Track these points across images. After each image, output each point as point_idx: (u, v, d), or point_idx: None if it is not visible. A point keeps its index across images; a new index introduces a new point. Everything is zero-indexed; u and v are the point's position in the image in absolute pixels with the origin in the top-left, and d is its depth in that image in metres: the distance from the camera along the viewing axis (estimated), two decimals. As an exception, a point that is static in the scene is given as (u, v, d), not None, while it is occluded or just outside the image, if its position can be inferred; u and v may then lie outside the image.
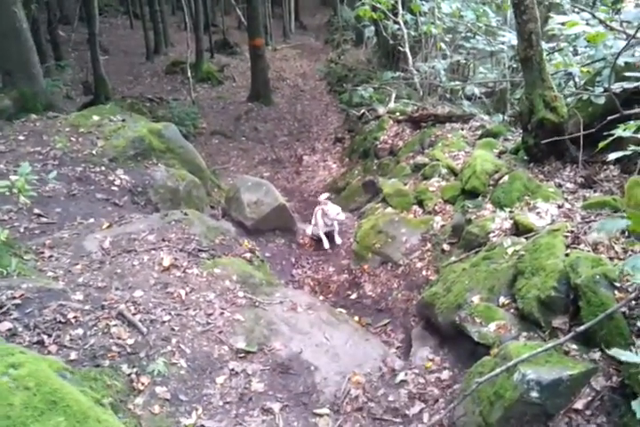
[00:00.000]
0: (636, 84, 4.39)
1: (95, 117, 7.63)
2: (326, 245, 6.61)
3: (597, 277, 3.33)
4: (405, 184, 7.19)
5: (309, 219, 7.11)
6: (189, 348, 3.64)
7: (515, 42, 7.52)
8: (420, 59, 10.85)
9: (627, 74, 4.60)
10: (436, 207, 6.35)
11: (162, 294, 4.06)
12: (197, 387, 3.43)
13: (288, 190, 10.64)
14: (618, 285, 3.32)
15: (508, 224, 5.04)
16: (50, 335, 3.45)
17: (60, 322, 3.56)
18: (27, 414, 1.97)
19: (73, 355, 3.33)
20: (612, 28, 4.88)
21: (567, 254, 3.87)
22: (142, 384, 3.28)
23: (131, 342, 3.55)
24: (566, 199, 5.13)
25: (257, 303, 4.27)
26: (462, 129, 8.52)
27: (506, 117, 8.88)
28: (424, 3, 9.56)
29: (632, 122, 3.34)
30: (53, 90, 11.49)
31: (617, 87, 4.68)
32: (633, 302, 3.20)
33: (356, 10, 10.10)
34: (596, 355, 3.16)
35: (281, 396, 3.52)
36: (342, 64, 18.60)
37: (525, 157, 6.21)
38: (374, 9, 9.51)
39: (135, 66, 19.90)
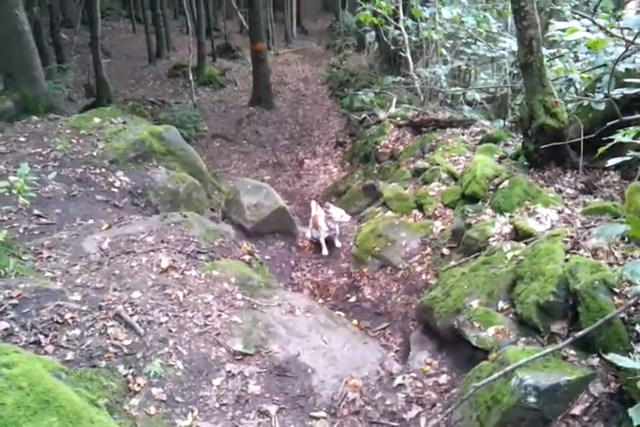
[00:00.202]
0: (636, 90, 4.39)
1: (96, 120, 7.64)
2: (325, 251, 6.62)
3: (596, 282, 3.32)
4: (406, 188, 7.18)
5: (309, 222, 7.10)
6: (186, 349, 3.63)
7: (515, 47, 7.55)
8: (421, 64, 10.86)
9: (627, 80, 4.60)
10: (436, 212, 6.35)
11: (159, 295, 4.05)
12: (194, 389, 3.41)
13: (289, 194, 10.63)
14: (617, 290, 3.31)
15: (507, 229, 5.03)
16: (47, 336, 3.44)
17: (57, 322, 3.55)
18: (19, 413, 1.96)
19: (69, 355, 3.32)
20: (612, 35, 4.87)
21: (566, 260, 3.86)
22: (138, 385, 3.27)
23: (127, 342, 3.54)
24: (566, 205, 5.12)
25: (255, 306, 4.26)
26: (463, 134, 8.52)
27: (506, 123, 8.88)
28: (425, 8, 9.58)
29: (632, 128, 3.33)
30: (55, 92, 11.54)
31: (617, 93, 4.69)
32: (632, 308, 3.18)
33: (357, 15, 10.11)
34: (595, 361, 3.15)
35: (278, 398, 3.51)
36: (344, 69, 18.63)
37: (526, 163, 6.21)
38: (375, 14, 9.52)
39: (137, 69, 19.96)
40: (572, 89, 7.51)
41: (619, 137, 3.26)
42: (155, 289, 4.11)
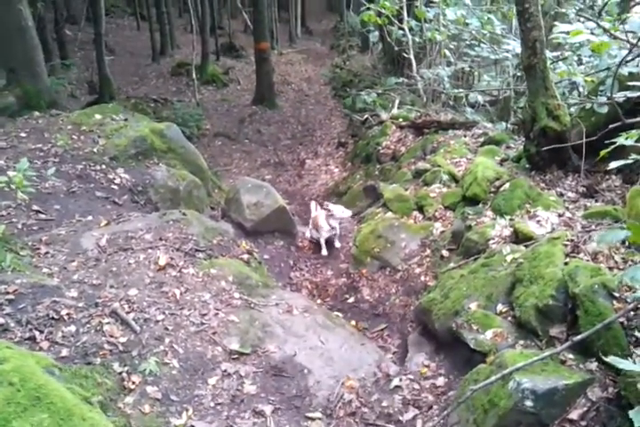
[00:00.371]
0: (639, 93, 4.37)
1: (97, 116, 7.63)
2: (324, 251, 6.59)
3: (596, 286, 3.30)
4: (406, 190, 7.16)
5: (309, 222, 7.07)
6: (182, 348, 3.61)
7: (519, 50, 7.53)
8: (424, 65, 10.85)
9: (630, 83, 4.58)
10: (437, 213, 6.32)
11: (156, 293, 4.03)
12: (189, 387, 3.39)
13: (289, 193, 10.62)
14: (616, 295, 3.28)
15: (507, 232, 5.01)
16: (42, 332, 3.42)
17: (52, 318, 3.53)
18: (9, 410, 1.94)
19: (64, 352, 3.30)
20: (615, 37, 4.86)
21: (566, 263, 3.84)
22: (133, 383, 3.25)
23: (123, 340, 3.52)
24: (567, 208, 5.10)
25: (252, 305, 4.24)
26: (465, 136, 8.50)
27: (509, 125, 8.87)
28: (429, 9, 9.56)
29: (634, 131, 3.31)
30: (58, 88, 11.53)
31: (620, 96, 4.67)
32: (631, 313, 3.16)
33: (361, 15, 10.09)
34: (593, 365, 3.13)
35: (273, 399, 3.48)
36: (347, 69, 18.61)
37: (527, 166, 6.19)
38: (379, 14, 9.50)
39: (141, 67, 19.96)
40: (575, 92, 7.49)
41: (621, 140, 3.24)
42: (152, 287, 4.08)
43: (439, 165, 7.13)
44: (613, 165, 3.21)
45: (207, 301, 4.09)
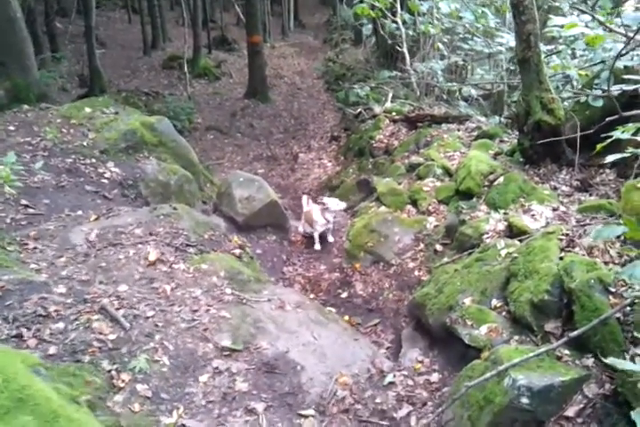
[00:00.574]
0: (634, 86, 4.33)
1: (87, 109, 7.52)
2: (317, 246, 6.54)
3: (592, 281, 3.26)
4: (400, 184, 7.12)
5: (302, 217, 7.01)
6: (173, 345, 3.54)
7: (513, 44, 7.48)
8: (417, 59, 10.79)
9: (625, 77, 4.54)
10: (430, 207, 6.28)
11: (146, 289, 3.96)
12: (180, 385, 3.33)
13: (282, 187, 10.56)
14: (613, 290, 3.25)
15: (502, 226, 4.97)
16: (29, 329, 3.35)
17: (40, 315, 3.46)
18: (-9, 411, 1.87)
19: (52, 349, 3.23)
20: (611, 30, 4.81)
21: (561, 258, 3.80)
22: (123, 381, 3.18)
23: (112, 337, 3.45)
24: (561, 202, 5.07)
25: (244, 300, 4.17)
26: (458, 130, 8.46)
27: (502, 119, 8.83)
28: (422, 3, 9.49)
29: (631, 124, 3.27)
30: (48, 81, 11.40)
31: (616, 89, 4.62)
32: (628, 308, 3.12)
33: (354, 8, 10.00)
34: (589, 361, 3.09)
35: (265, 396, 3.43)
36: (340, 63, 18.51)
37: (521, 159, 6.16)
38: (372, 7, 9.42)
39: (132, 60, 19.79)
40: (568, 86, 7.46)
41: (617, 133, 3.19)
42: (142, 282, 4.01)
43: (433, 159, 7.09)
44: (610, 158, 3.18)
45: (198, 296, 4.02)
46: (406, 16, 10.03)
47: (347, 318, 5.21)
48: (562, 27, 5.50)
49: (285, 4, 27.38)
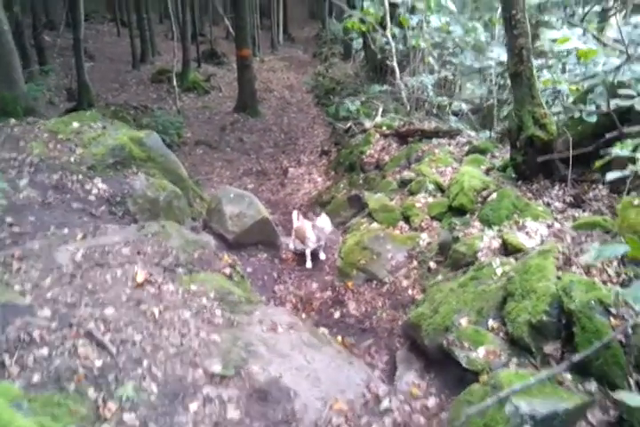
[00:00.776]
0: (631, 101, 4.30)
1: (75, 124, 7.41)
2: (309, 264, 6.41)
3: (592, 302, 3.20)
4: (392, 199, 7.05)
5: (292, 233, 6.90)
6: (161, 371, 3.41)
7: (503, 58, 7.48)
8: (407, 73, 10.80)
9: (620, 91, 4.51)
10: (423, 224, 6.22)
11: (134, 311, 3.83)
12: (169, 414, 3.19)
13: (272, 203, 10.45)
14: (613, 311, 3.18)
15: (496, 243, 4.90)
16: (12, 355, 3.22)
17: (23, 341, 3.33)
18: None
19: (36, 377, 3.09)
20: (605, 45, 4.80)
21: (559, 277, 3.74)
22: (109, 411, 3.04)
23: (99, 363, 3.31)
24: (556, 219, 5.02)
25: (235, 323, 4.05)
26: (449, 145, 8.44)
27: (493, 134, 8.83)
28: (412, 17, 9.51)
29: (629, 141, 3.22)
30: (36, 95, 11.26)
31: (611, 105, 4.60)
32: (630, 331, 3.04)
33: (343, 22, 10.00)
34: (592, 386, 3.01)
35: (258, 424, 3.29)
36: (330, 77, 18.53)
37: (513, 175, 6.13)
38: (363, 21, 9.41)
39: (121, 73, 19.70)
40: (557, 101, 7.46)
41: (616, 150, 3.15)
42: (129, 305, 3.89)
43: (424, 175, 7.04)
44: (610, 176, 3.12)
45: (187, 319, 3.89)
46: (396, 30, 10.03)
47: (340, 338, 5.09)
48: (554, 41, 5.50)
49: (275, 17, 27.49)
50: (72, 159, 6.52)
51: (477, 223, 5.46)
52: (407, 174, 7.44)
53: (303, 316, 5.51)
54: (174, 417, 3.17)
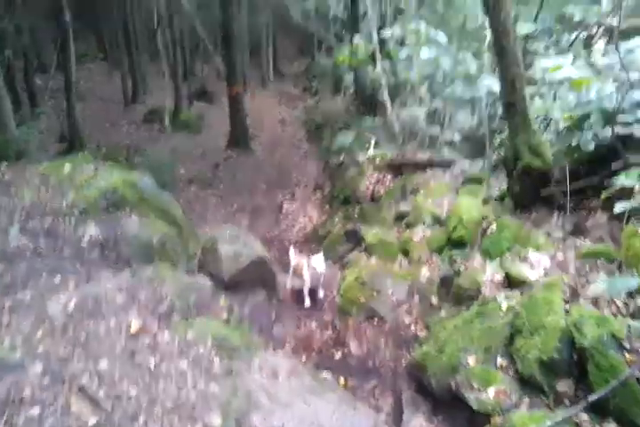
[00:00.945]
0: (632, 129, 4.25)
1: (67, 167, 7.33)
2: (307, 302, 6.26)
3: (605, 337, 3.08)
4: (389, 233, 6.96)
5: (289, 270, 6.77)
6: (159, 427, 3.25)
7: (494, 88, 7.50)
8: (397, 104, 10.85)
9: (620, 118, 4.48)
10: (422, 257, 6.13)
11: (129, 364, 3.67)
12: (168, 474, 3.03)
13: (267, 239, 10.33)
14: (627, 346, 3.06)
15: (499, 276, 4.81)
16: (1, 416, 3.06)
17: (13, 400, 3.17)
18: None
19: (26, 440, 2.94)
20: (600, 73, 4.80)
21: (567, 311, 3.63)
22: (104, 473, 2.88)
23: (93, 421, 3.14)
24: (558, 248, 4.93)
25: (234, 371, 3.88)
26: (444, 175, 8.41)
27: (486, 163, 8.79)
28: (402, 49, 9.58)
29: (633, 170, 3.17)
30: (27, 138, 11.23)
31: (609, 133, 4.57)
32: (646, 367, 2.92)
33: (333, 57, 10.09)
34: (612, 426, 2.86)
35: (263, 481, 3.13)
36: (320, 111, 18.65)
37: (511, 205, 6.05)
38: (353, 56, 9.47)
39: (113, 113, 19.76)
40: (549, 128, 7.45)
41: (621, 179, 3.08)
42: (123, 357, 3.73)
43: (421, 207, 6.97)
44: (619, 207, 3.05)
45: (184, 370, 3.73)
46: (386, 63, 10.10)
47: (342, 380, 4.93)
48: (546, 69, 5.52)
49: (264, 54, 27.84)
50: (64, 203, 6.42)
51: (478, 256, 5.37)
52: (403, 207, 7.38)
53: (303, 358, 5.35)
54: (173, 478, 2.99)
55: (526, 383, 3.52)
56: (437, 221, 6.60)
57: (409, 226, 6.84)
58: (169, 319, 4.33)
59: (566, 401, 3.26)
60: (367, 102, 14.00)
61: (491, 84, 7.59)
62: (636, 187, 3.40)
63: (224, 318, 4.80)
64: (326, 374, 4.85)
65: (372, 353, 5.24)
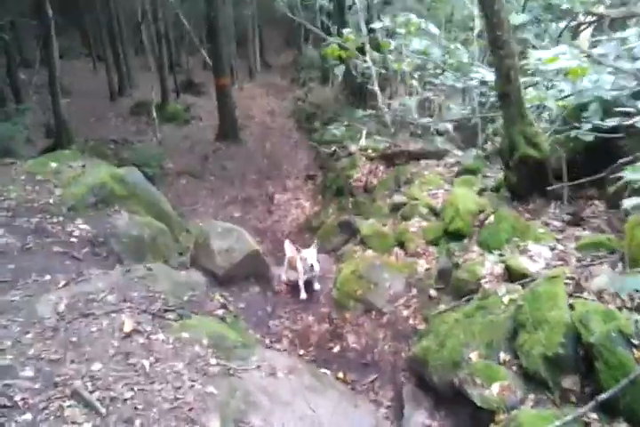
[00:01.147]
0: (633, 120, 4.16)
1: (53, 164, 7.20)
2: (303, 295, 6.16)
3: (613, 334, 3.00)
4: (384, 225, 6.87)
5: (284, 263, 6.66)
6: (155, 430, 3.15)
7: (486, 78, 7.39)
8: (386, 95, 10.73)
9: (619, 109, 4.39)
10: (419, 249, 6.03)
11: (123, 365, 3.57)
12: (166, 479, 2.94)
13: (260, 231, 10.24)
14: (635, 342, 2.98)
15: (499, 269, 4.71)
16: (-8, 423, 2.96)
17: (4, 406, 3.07)
18: None
19: (18, 447, 2.83)
20: (599, 63, 4.70)
21: (571, 305, 3.55)
22: (101, 480, 2.79)
23: (87, 426, 3.05)
24: (557, 240, 4.85)
25: (231, 371, 3.79)
26: (438, 166, 8.33)
27: (479, 152, 8.70)
28: (391, 40, 9.43)
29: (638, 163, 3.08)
30: (13, 134, 11.06)
31: (610, 121, 4.48)
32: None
33: (321, 49, 9.93)
34: (622, 426, 2.79)
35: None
36: (309, 102, 18.49)
37: (508, 195, 5.97)
38: (342, 48, 9.30)
39: (99, 107, 19.48)
40: (543, 117, 7.37)
41: (627, 173, 2.99)
42: (117, 358, 3.62)
43: (416, 198, 6.88)
44: (628, 203, 2.96)
45: (180, 371, 3.63)
46: (375, 54, 9.95)
47: (341, 374, 4.86)
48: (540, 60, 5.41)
49: (251, 45, 27.56)
50: (51, 201, 6.30)
51: (476, 248, 5.28)
52: (398, 198, 7.29)
53: (301, 352, 5.28)
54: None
55: (531, 380, 3.44)
56: (433, 212, 6.51)
57: (404, 218, 6.73)
58: (163, 319, 4.23)
59: (573, 398, 3.19)
60: (356, 92, 13.87)
61: (485, 74, 7.46)
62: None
63: (219, 314, 4.70)
64: (325, 370, 4.77)
65: (370, 347, 5.17)
